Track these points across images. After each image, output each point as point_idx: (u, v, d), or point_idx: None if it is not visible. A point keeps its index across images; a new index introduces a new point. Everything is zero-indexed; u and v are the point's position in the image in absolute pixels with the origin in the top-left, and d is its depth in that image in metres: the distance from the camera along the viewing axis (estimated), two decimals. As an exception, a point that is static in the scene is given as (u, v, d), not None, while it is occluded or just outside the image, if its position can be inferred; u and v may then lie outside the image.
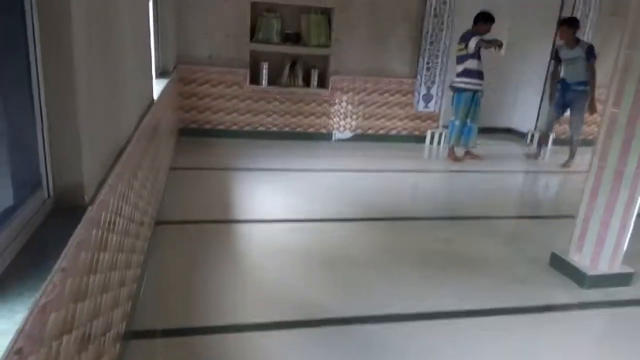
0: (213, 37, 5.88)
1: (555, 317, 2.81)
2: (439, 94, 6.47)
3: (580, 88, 5.65)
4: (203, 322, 2.47)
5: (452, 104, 5.77)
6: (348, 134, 6.53)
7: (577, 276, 3.12)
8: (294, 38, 6.10)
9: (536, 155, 6.34)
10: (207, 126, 6.14)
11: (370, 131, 6.57)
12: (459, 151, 5.91)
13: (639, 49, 2.80)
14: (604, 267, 3.09)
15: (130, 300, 2.31)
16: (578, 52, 5.54)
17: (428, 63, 6.33)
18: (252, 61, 6.05)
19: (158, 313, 2.53)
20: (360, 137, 6.54)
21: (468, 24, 5.55)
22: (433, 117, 6.64)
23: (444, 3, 6.11)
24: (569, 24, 5.57)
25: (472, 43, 5.37)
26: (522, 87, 7.30)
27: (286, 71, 6.18)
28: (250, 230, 3.65)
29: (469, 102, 5.60)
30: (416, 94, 6.46)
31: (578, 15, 6.41)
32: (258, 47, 5.99)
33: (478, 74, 5.52)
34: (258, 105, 6.19)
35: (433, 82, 6.42)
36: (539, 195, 5.37)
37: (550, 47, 6.67)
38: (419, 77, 6.37)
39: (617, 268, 3.12)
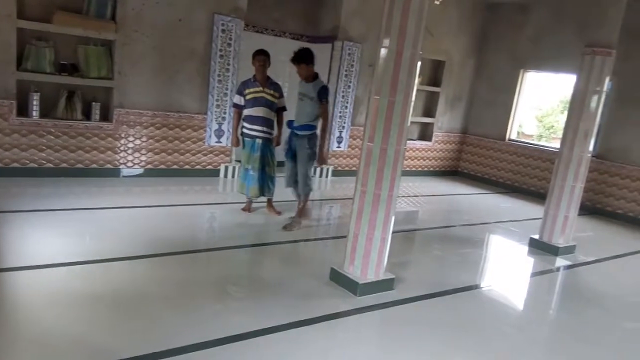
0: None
1: (337, 323, 3.21)
2: (230, 130, 6.74)
3: (303, 133, 4.86)
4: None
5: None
6: (138, 170, 6.28)
7: (352, 286, 3.62)
8: (71, 69, 5.66)
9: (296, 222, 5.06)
10: (-40, 164, 5.19)
11: (162, 166, 6.43)
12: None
13: (385, 95, 3.46)
14: (371, 275, 3.66)
15: None
16: (309, 88, 4.80)
17: (217, 100, 6.58)
18: (20, 92, 5.40)
19: None
20: (152, 172, 6.34)
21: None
22: (225, 152, 6.87)
23: (229, 45, 6.48)
24: (292, 60, 4.80)
25: (238, 99, 5.13)
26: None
27: (62, 103, 5.67)
28: (23, 279, 3.22)
29: (248, 148, 5.13)
30: (208, 129, 6.62)
31: (344, 65, 7.50)
32: (27, 76, 5.38)
33: (255, 120, 5.03)
34: (28, 140, 5.50)
35: (224, 119, 6.68)
36: (323, 221, 5.98)
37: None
38: (209, 113, 6.56)
39: (382, 275, 3.73)
